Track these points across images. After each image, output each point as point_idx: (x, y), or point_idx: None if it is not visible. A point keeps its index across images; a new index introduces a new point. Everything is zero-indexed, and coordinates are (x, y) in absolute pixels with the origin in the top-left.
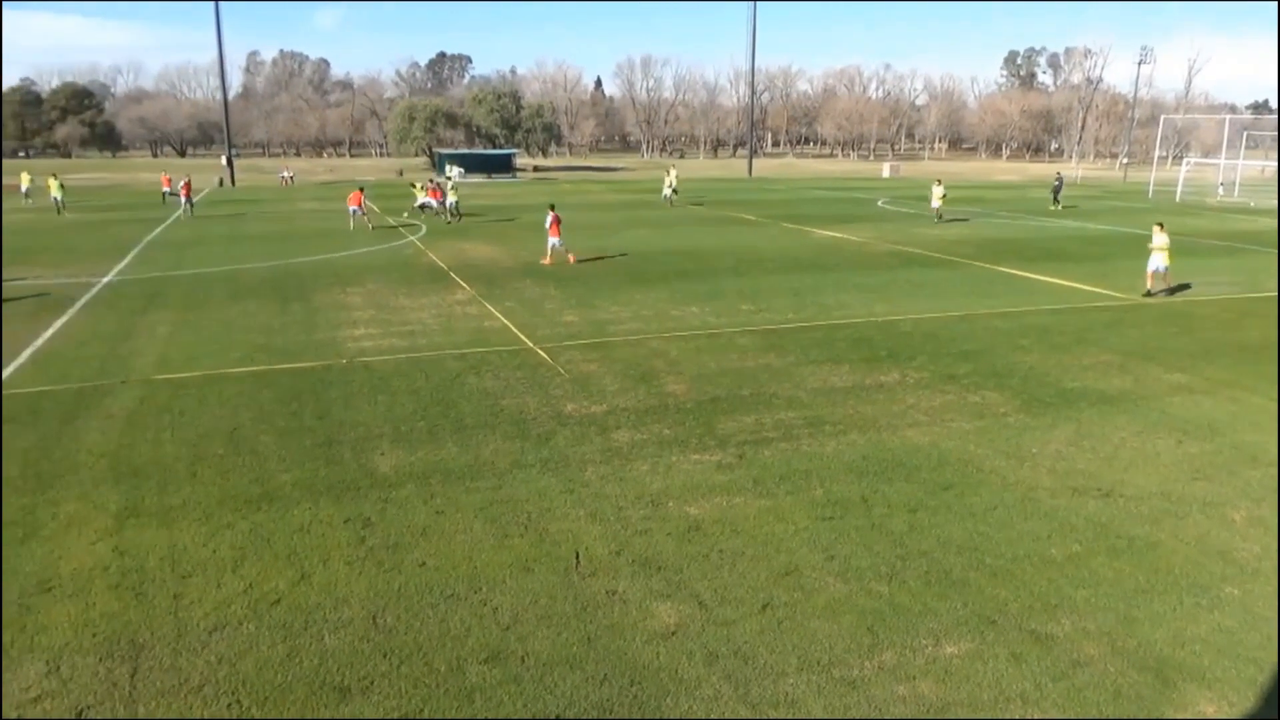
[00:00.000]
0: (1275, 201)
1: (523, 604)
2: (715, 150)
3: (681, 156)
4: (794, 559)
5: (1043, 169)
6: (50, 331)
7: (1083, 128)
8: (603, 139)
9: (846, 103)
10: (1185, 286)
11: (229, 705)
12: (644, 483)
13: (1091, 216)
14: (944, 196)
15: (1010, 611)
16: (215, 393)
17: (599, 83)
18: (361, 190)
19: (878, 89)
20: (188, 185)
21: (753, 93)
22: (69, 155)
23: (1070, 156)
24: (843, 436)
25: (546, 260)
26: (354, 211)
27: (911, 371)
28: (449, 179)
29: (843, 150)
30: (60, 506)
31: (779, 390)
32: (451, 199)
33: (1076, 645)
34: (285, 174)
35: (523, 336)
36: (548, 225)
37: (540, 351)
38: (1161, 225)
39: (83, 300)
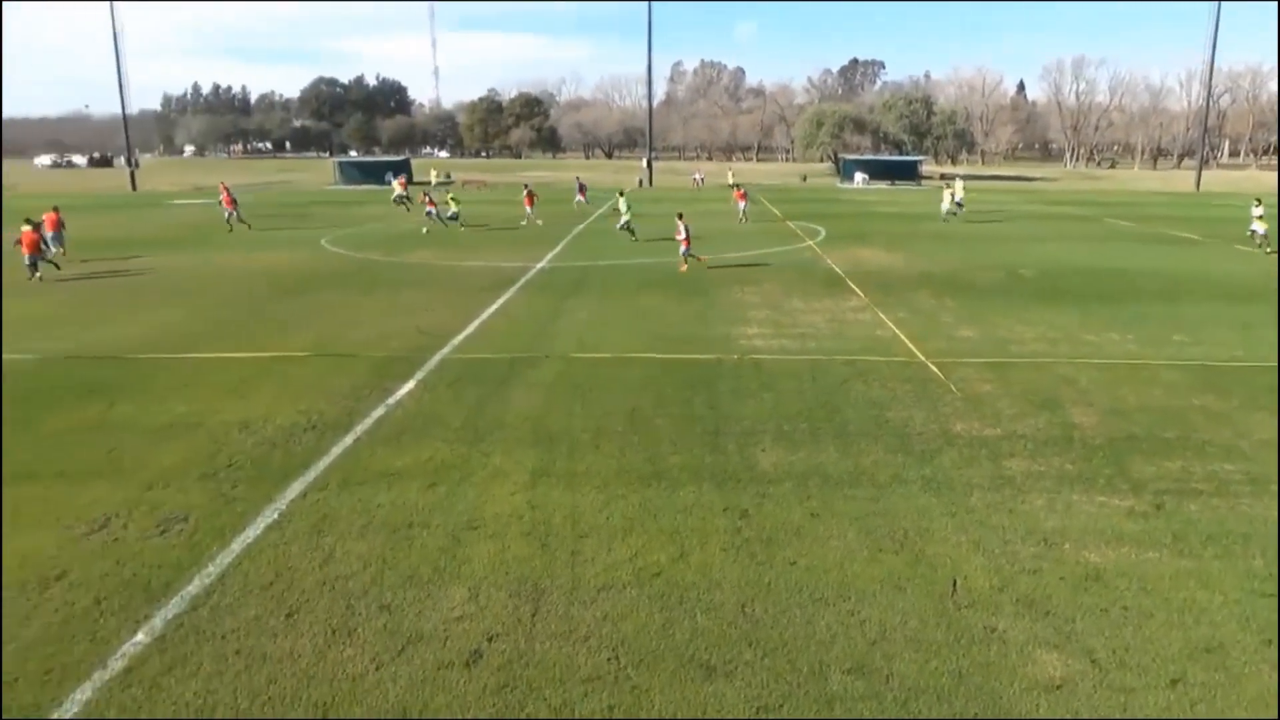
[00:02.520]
0: None
1: (892, 622)
2: (1155, 159)
3: (1112, 166)
4: (1218, 634)
5: None
6: (494, 307)
7: None
8: (1020, 146)
9: None
10: None
11: (609, 659)
12: (1037, 518)
13: None
14: None
15: None
16: (620, 374)
17: (1021, 86)
18: (739, 187)
19: None
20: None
21: (1208, 96)
22: (519, 156)
23: None
24: None
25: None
26: (742, 208)
27: None
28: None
29: None
30: (489, 458)
31: (1214, 437)
32: (452, 209)
33: None
34: (697, 176)
35: (914, 348)
36: (680, 237)
37: (931, 365)
38: None
39: (520, 282)
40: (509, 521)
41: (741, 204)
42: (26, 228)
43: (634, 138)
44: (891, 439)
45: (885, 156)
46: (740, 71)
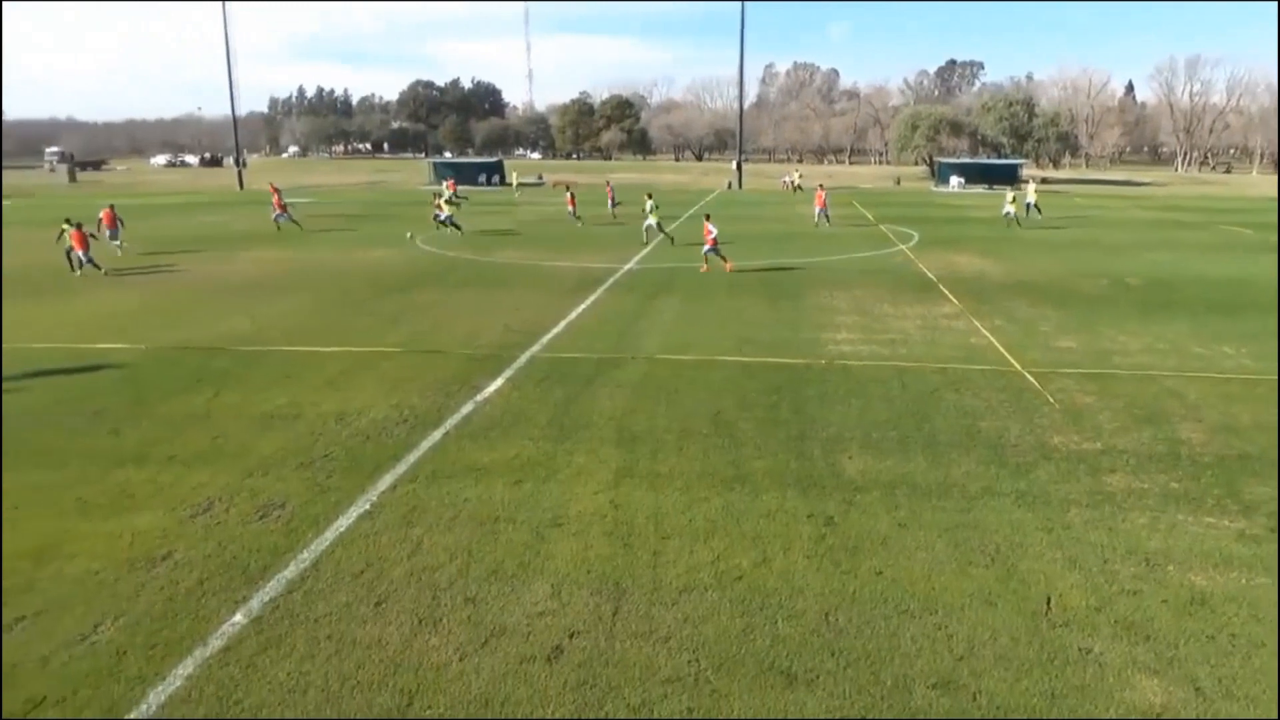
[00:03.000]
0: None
1: (981, 638)
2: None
3: (1228, 171)
4: None
5: None
6: (582, 307)
7: None
8: (1127, 149)
9: None
10: None
11: (689, 661)
12: (1139, 537)
13: None
14: None
15: None
16: (705, 377)
17: (1130, 87)
18: (822, 187)
19: None
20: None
21: None
22: (609, 158)
23: None
24: None
25: (705, 268)
26: (819, 212)
27: None
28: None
29: None
30: (574, 456)
31: None
32: (445, 212)
33: None
34: (787, 179)
35: (1010, 357)
36: (709, 236)
37: (1028, 375)
38: None
39: (608, 282)
40: (592, 520)
41: (819, 208)
42: (69, 227)
43: (724, 140)
44: (984, 450)
45: (983, 159)
46: (834, 73)
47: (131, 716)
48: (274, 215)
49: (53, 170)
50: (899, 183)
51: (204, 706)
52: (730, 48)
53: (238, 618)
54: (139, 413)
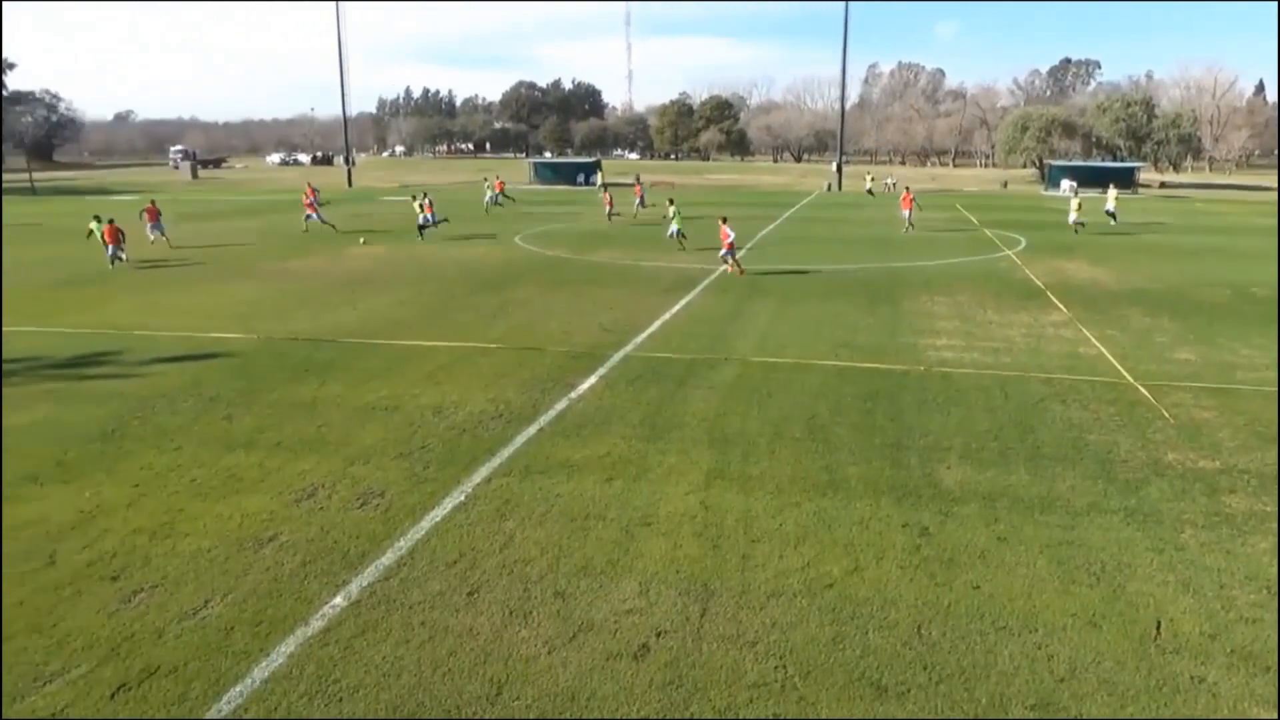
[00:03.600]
0: None
1: (1083, 660)
2: None
3: None
4: None
5: None
6: (677, 307)
7: None
8: (1256, 153)
9: None
10: None
11: (776, 667)
12: (1259, 563)
13: None
14: None
15: None
16: (799, 380)
17: (1260, 87)
18: (909, 190)
19: None
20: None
21: None
22: (707, 158)
23: None
24: None
25: (730, 269)
26: (907, 215)
27: None
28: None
29: None
30: (665, 456)
31: None
32: (425, 216)
33: None
34: (889, 180)
35: (1121, 369)
36: (725, 240)
37: (1141, 388)
38: None
39: (703, 284)
40: (682, 520)
41: (907, 211)
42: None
43: (824, 141)
44: (1091, 464)
45: (1097, 162)
46: (939, 73)
47: (237, 689)
48: (305, 216)
49: (177, 167)
50: (1006, 186)
51: (304, 683)
52: (832, 48)
53: (337, 600)
54: (250, 400)
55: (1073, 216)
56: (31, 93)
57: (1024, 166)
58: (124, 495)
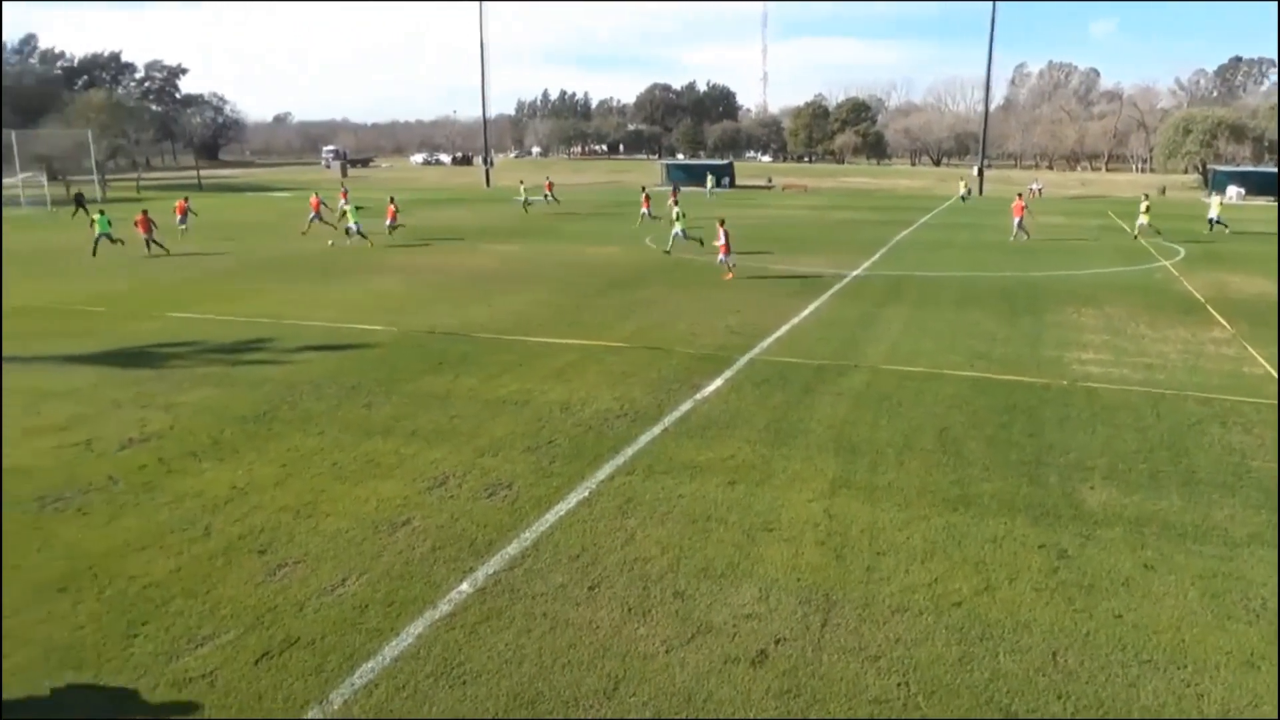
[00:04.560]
0: None
1: (1238, 702)
2: None
3: None
4: None
5: None
6: (805, 312)
7: None
8: None
9: None
10: None
11: (898, 685)
12: None
13: None
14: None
15: None
16: (932, 390)
17: None
18: (1020, 196)
19: None
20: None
21: None
22: (842, 161)
23: None
24: None
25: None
26: (1017, 223)
27: None
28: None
29: None
30: (789, 462)
31: None
32: (353, 222)
33: None
34: (1035, 186)
35: None
36: (719, 243)
37: None
38: None
39: (835, 289)
40: (804, 528)
41: (1017, 219)
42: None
43: (965, 144)
44: (1254, 492)
45: (1268, 168)
46: (1093, 73)
47: (369, 665)
48: (310, 217)
49: (328, 166)
50: (1164, 192)
51: (430, 664)
52: (978, 48)
53: (464, 586)
54: (389, 389)
55: (1213, 213)
56: (201, 95)
57: (1185, 171)
58: (272, 474)
